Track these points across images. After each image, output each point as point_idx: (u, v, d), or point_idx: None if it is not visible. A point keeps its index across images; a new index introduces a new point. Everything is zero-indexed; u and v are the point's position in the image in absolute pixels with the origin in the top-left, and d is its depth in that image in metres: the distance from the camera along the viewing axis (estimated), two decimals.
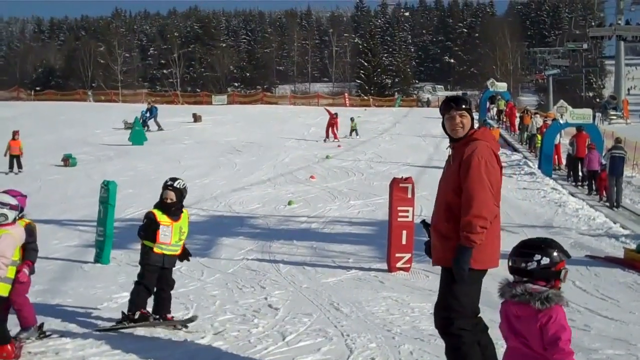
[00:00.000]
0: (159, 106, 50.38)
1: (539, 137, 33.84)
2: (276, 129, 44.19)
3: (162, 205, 8.11)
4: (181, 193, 8.15)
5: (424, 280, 11.26)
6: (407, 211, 11.76)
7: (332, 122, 39.54)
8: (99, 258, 12.40)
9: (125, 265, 12.24)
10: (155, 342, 7.61)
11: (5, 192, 7.40)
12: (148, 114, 45.25)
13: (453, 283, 5.47)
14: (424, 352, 7.34)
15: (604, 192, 22.34)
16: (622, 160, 22.25)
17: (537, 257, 4.49)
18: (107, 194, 12.51)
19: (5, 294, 6.88)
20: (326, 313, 8.97)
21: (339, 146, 35.97)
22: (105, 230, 12.37)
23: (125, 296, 9.80)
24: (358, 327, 8.26)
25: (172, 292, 8.36)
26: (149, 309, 8.16)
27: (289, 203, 19.97)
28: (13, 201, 7.05)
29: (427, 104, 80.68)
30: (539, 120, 36.67)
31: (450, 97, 5.84)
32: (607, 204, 21.42)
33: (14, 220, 6.97)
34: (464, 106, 5.62)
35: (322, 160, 30.94)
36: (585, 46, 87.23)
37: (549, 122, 35.58)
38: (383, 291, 10.38)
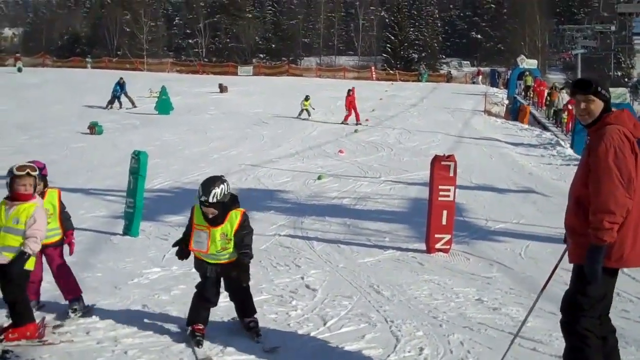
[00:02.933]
0: (184, 76, 49.63)
1: (565, 113, 34.18)
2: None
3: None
4: (223, 204, 6.45)
5: (465, 263, 10.81)
6: (449, 190, 11.27)
7: (353, 100, 35.05)
8: (128, 230, 12.01)
9: (154, 239, 11.87)
10: None
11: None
12: (119, 89, 38.91)
13: (584, 281, 5.06)
14: (475, 342, 6.94)
15: None
16: None
17: None
18: (137, 164, 12.06)
19: (31, 267, 6.54)
20: (367, 296, 8.57)
21: (367, 120, 35.30)
22: (135, 202, 11.95)
23: (157, 272, 9.52)
24: (402, 313, 7.86)
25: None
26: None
27: (319, 177, 19.54)
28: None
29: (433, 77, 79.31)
30: (565, 96, 36.95)
31: (578, 79, 5.32)
32: None
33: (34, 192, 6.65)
34: (591, 89, 5.13)
35: (350, 134, 30.52)
36: (613, 28, 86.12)
37: None
38: (424, 274, 9.95)
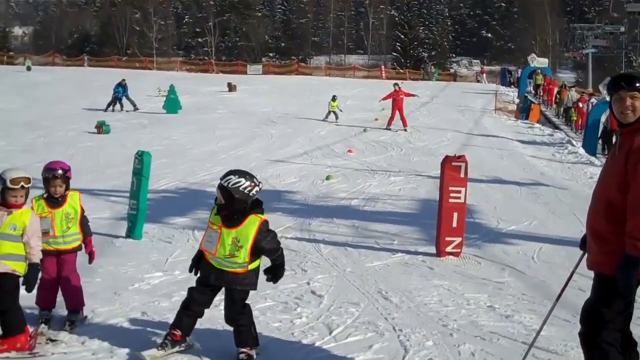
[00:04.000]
0: (194, 75, 49.35)
1: (574, 110, 34.36)
2: (312, 101, 43.21)
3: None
4: (231, 195, 5.91)
5: (476, 268, 10.51)
6: (460, 192, 10.98)
7: (398, 100, 32.22)
8: (131, 233, 11.76)
9: (157, 242, 11.62)
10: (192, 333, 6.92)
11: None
12: (121, 90, 37.33)
13: (608, 292, 4.71)
14: (487, 353, 6.64)
15: None
16: None
17: None
18: (141, 165, 11.80)
19: (22, 271, 6.24)
20: (374, 303, 8.28)
21: (376, 119, 34.56)
22: (138, 203, 11.70)
23: (159, 276, 9.25)
24: (411, 321, 7.56)
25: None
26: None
27: (327, 178, 19.26)
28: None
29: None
30: (574, 95, 37.30)
31: (622, 74, 4.98)
32: None
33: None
34: (637, 86, 4.78)
35: (359, 133, 30.19)
36: (622, 29, 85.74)
37: (586, 97, 35.64)
38: (433, 279, 9.65)
